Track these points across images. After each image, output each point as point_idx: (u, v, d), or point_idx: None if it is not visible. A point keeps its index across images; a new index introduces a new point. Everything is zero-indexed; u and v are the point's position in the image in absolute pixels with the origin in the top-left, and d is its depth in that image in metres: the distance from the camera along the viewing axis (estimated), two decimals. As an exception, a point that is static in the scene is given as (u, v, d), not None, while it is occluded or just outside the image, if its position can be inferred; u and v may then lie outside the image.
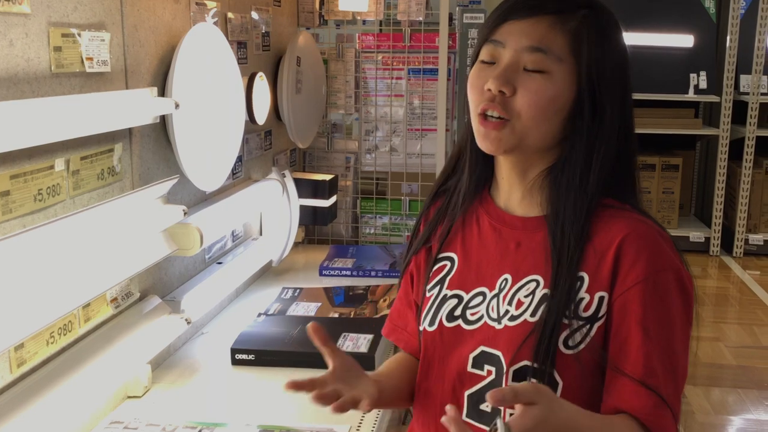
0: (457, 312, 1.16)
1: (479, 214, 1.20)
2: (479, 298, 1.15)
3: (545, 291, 1.08)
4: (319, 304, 2.05)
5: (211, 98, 1.81)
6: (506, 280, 1.13)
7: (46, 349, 1.30)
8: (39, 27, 1.26)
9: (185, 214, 1.60)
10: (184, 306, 1.72)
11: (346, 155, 2.93)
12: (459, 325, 1.15)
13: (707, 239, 5.11)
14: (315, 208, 2.61)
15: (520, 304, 1.10)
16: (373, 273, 2.39)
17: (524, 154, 1.12)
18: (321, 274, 2.41)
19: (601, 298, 1.07)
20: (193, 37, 1.70)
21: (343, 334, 1.78)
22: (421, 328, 1.21)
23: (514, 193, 1.16)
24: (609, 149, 1.09)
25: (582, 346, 1.06)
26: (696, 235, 5.11)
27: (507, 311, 1.11)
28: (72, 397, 1.31)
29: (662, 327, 1.05)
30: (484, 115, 1.09)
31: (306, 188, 2.57)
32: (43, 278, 1.19)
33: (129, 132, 1.57)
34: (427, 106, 2.84)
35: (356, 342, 1.74)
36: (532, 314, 1.08)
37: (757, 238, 5.06)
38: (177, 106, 1.59)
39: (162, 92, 1.66)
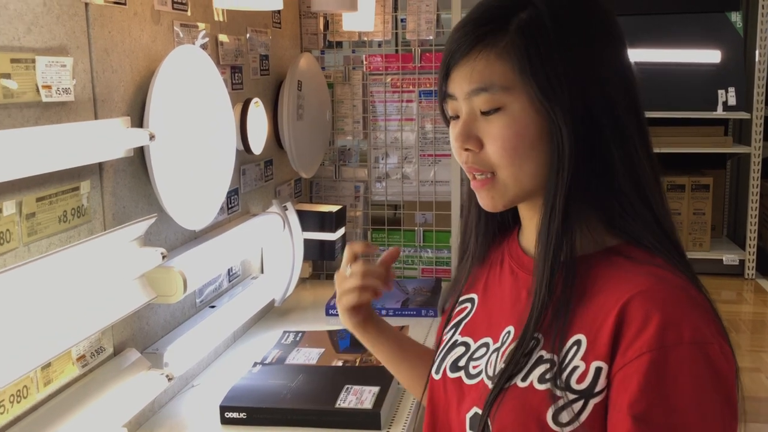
0: (462, 362, 1.02)
1: (504, 254, 1.07)
2: (483, 350, 1.01)
3: (542, 353, 0.90)
4: (322, 350, 1.86)
5: (196, 128, 1.65)
6: (509, 333, 0.97)
7: (-7, 420, 1.14)
8: (-20, 51, 1.10)
9: (164, 257, 1.43)
10: (168, 359, 1.54)
11: (355, 184, 2.76)
12: (460, 378, 1.01)
13: (741, 262, 4.87)
14: (322, 242, 2.43)
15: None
16: (383, 312, 2.21)
17: (530, 197, 0.97)
18: (327, 314, 2.23)
19: (599, 369, 0.86)
20: (174, 62, 1.54)
21: (346, 386, 1.59)
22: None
23: (533, 232, 1.00)
24: (576, 179, 0.90)
25: (575, 425, 0.85)
26: (730, 258, 4.87)
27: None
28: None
29: (673, 418, 0.81)
30: (474, 176, 0.98)
31: (311, 221, 2.40)
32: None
33: (99, 167, 1.40)
34: (440, 130, 2.67)
35: (360, 396, 1.55)
36: (524, 379, 0.90)
37: (794, 260, 4.82)
38: (152, 137, 1.43)
39: (140, 122, 1.50)
